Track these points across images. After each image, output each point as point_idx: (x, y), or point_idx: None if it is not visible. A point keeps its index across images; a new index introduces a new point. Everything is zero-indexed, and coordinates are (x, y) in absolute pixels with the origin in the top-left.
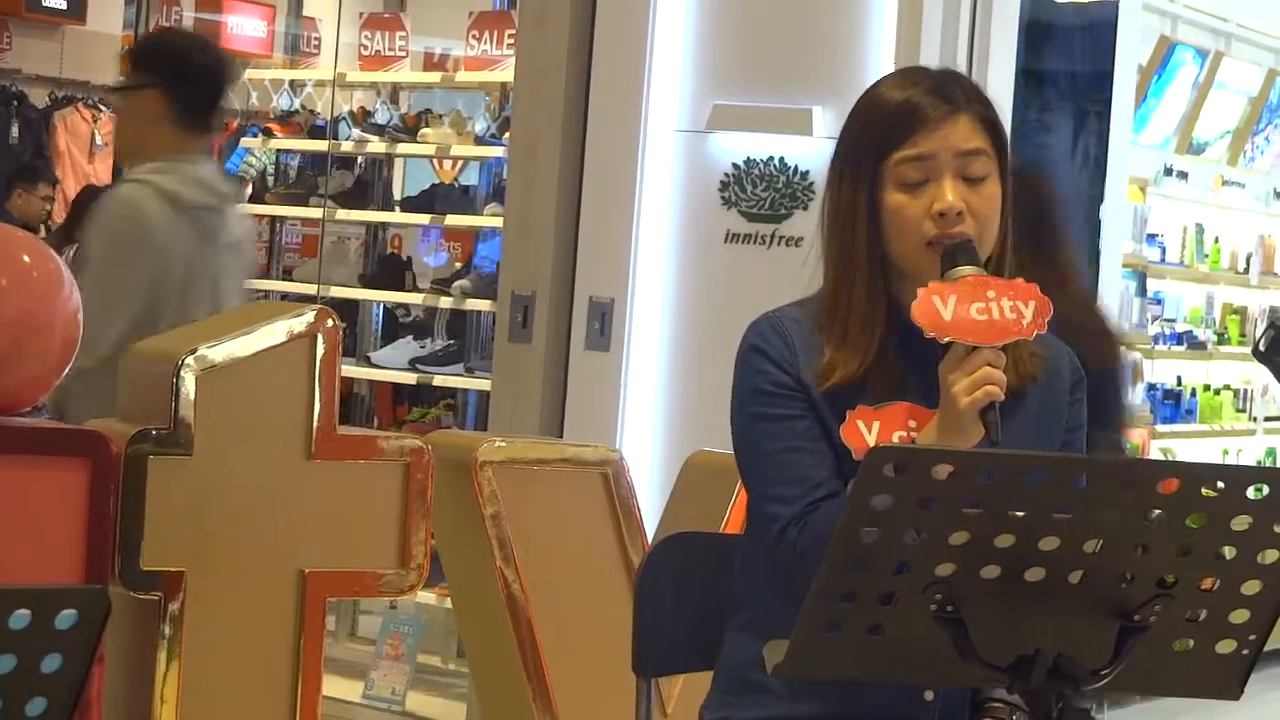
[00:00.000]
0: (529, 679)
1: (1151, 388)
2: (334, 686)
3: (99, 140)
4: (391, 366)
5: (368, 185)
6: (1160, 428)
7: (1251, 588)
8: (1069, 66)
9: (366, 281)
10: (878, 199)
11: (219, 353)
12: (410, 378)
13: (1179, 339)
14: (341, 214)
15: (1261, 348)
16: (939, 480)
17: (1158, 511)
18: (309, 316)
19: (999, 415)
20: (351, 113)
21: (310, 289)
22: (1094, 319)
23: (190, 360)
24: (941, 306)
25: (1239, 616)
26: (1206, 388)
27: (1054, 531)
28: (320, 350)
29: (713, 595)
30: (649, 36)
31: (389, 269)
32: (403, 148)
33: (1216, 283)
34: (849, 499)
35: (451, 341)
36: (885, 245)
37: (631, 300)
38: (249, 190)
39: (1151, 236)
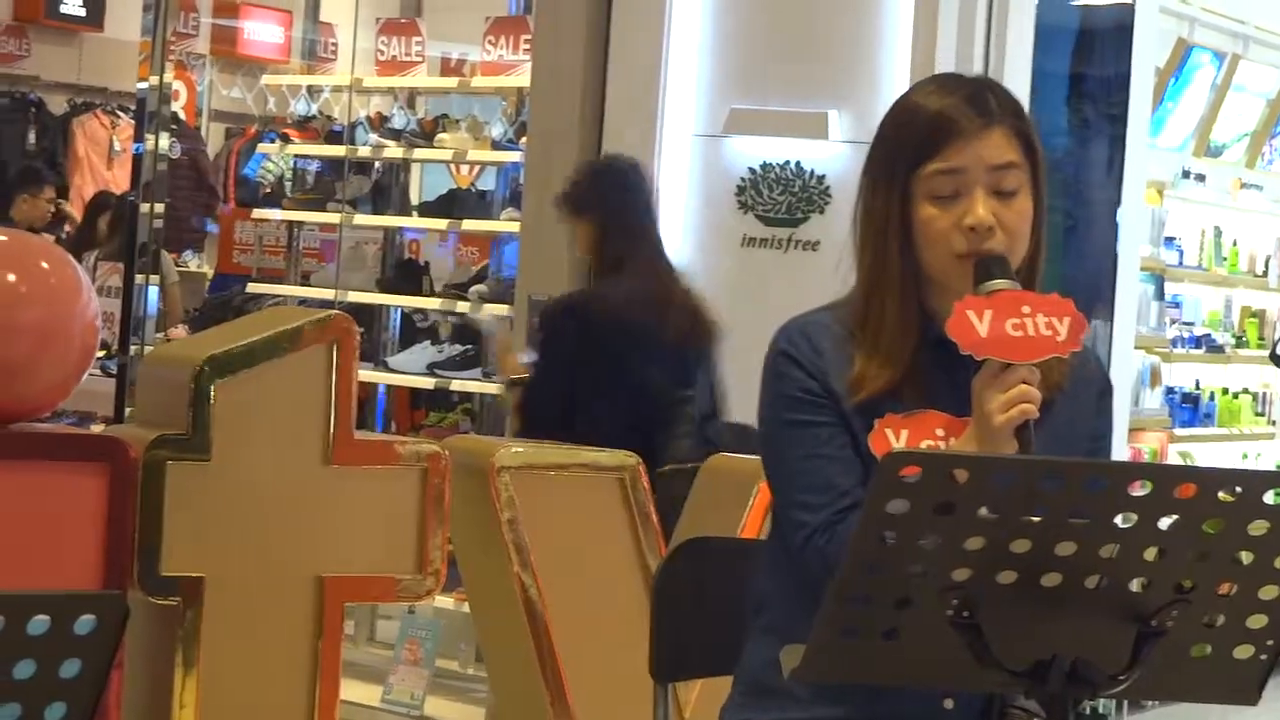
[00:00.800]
0: (547, 684)
1: (1170, 391)
2: (352, 691)
3: (117, 146)
4: (409, 371)
5: (385, 190)
6: (1178, 431)
7: (1269, 593)
8: (1085, 70)
9: (384, 286)
10: (909, 210)
11: (237, 358)
12: (428, 382)
13: (1197, 342)
14: (359, 219)
15: (1278, 351)
16: (956, 485)
17: (1174, 517)
18: (327, 322)
19: (1033, 431)
20: (368, 118)
21: (328, 294)
22: (680, 294)
23: (208, 366)
24: (977, 322)
25: (1256, 622)
26: (1225, 391)
27: (1070, 537)
28: (338, 356)
29: (731, 600)
30: (665, 41)
31: (406, 274)
32: (420, 153)
33: (1235, 286)
34: (865, 504)
35: (469, 346)
36: (917, 255)
37: None
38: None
39: (1169, 239)
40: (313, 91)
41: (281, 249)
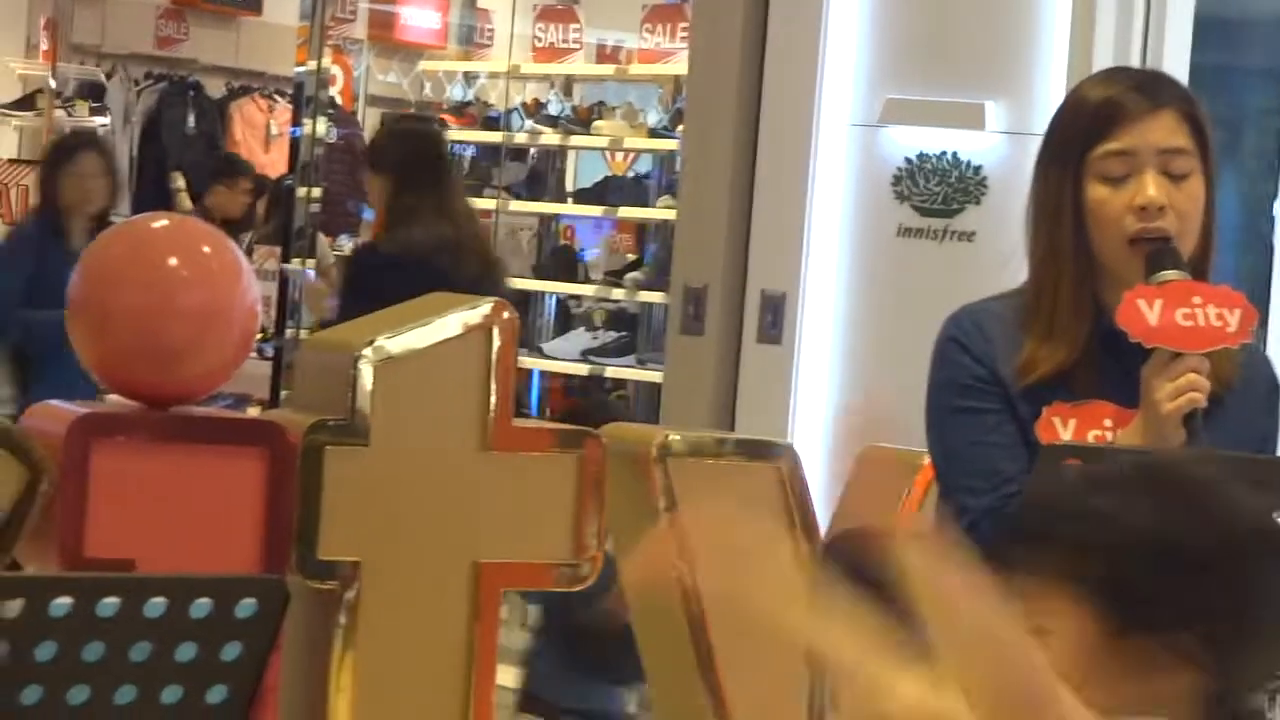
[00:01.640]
0: (701, 671)
1: None
2: (506, 676)
3: (274, 130)
4: (563, 358)
5: (541, 177)
6: None
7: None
8: (1243, 62)
9: (539, 272)
10: (1081, 194)
11: (396, 344)
12: (582, 369)
13: None
14: (515, 205)
15: None
16: None
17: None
18: (485, 308)
19: (1201, 422)
20: (524, 104)
21: None
22: (469, 238)
23: (368, 351)
24: (1148, 311)
25: None
26: None
27: None
28: (496, 342)
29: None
30: (822, 29)
31: (561, 260)
32: (576, 140)
33: None
34: (1024, 495)
35: (624, 333)
36: (1089, 241)
37: (803, 294)
38: None
39: None
40: (469, 77)
41: None
